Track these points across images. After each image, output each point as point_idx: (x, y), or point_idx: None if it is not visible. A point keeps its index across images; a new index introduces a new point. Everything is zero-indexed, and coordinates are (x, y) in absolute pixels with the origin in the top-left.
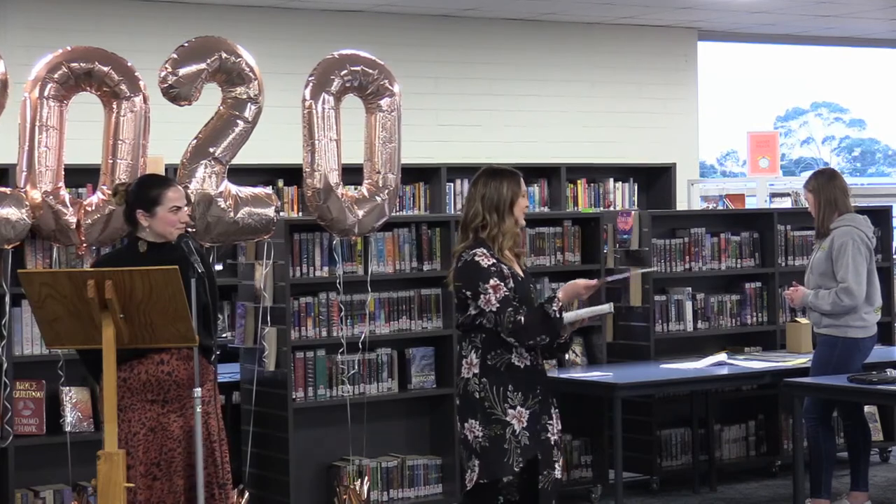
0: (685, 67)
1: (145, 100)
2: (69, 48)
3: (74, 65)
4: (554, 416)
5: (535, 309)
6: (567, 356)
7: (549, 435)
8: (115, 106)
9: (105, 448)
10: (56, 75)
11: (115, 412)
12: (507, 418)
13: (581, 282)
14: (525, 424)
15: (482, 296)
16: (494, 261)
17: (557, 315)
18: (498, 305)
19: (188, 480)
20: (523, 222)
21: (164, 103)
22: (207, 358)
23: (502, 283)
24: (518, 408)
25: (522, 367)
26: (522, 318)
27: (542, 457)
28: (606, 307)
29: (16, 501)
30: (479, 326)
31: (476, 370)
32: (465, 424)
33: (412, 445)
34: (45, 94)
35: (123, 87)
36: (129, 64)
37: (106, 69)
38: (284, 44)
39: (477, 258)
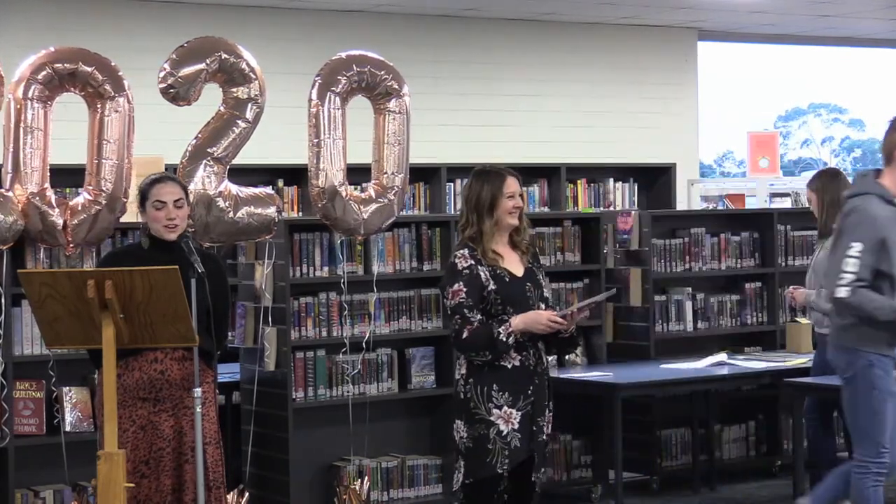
0: (685, 67)
1: (129, 100)
2: (52, 49)
3: (58, 65)
4: (548, 416)
5: (485, 326)
6: (568, 357)
7: (543, 436)
8: (99, 106)
9: (105, 448)
10: (40, 76)
11: (114, 412)
12: (492, 418)
13: (545, 314)
14: (516, 426)
15: (445, 299)
16: (472, 262)
17: (504, 339)
18: (450, 312)
19: (176, 480)
20: (513, 221)
21: (163, 103)
22: (207, 362)
23: (464, 290)
24: (505, 408)
25: (510, 367)
26: (466, 332)
27: (537, 458)
28: (607, 294)
29: (16, 501)
30: None
31: (463, 370)
32: (454, 425)
33: (412, 445)
34: (30, 94)
35: (107, 87)
36: (112, 64)
37: (89, 69)
38: (284, 44)
39: (456, 259)
